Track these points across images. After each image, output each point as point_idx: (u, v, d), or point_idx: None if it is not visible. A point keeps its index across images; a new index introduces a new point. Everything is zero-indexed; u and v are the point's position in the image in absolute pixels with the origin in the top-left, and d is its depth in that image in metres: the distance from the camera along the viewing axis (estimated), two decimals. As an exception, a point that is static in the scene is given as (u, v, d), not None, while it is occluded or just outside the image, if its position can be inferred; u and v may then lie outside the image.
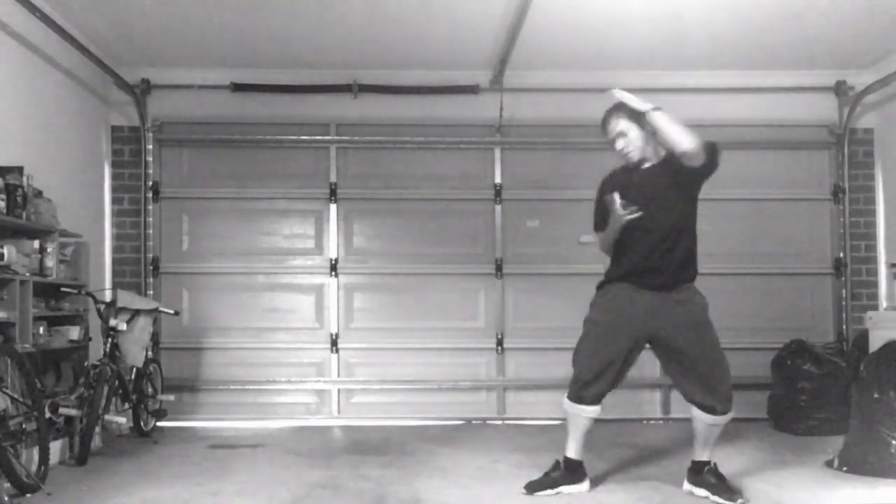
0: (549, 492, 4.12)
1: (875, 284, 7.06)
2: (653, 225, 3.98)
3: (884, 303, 6.85)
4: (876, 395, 4.65)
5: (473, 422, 6.84)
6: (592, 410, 4.09)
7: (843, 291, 7.03)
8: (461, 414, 6.92)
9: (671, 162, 3.96)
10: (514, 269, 6.97)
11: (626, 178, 4.11)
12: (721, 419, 4.05)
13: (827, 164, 7.16)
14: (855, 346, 6.24)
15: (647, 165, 4.07)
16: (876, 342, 5.24)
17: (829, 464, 4.77)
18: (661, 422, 6.85)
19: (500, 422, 6.85)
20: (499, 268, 7.00)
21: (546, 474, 4.21)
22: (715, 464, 4.14)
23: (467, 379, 6.97)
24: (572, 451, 4.18)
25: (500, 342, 6.96)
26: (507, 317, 6.96)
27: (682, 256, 4.03)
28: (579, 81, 6.84)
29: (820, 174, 7.17)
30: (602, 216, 4.18)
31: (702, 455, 4.14)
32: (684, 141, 3.77)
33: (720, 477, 4.09)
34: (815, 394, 6.05)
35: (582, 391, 4.08)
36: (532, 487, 4.15)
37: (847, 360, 6.16)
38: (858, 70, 6.92)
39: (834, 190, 7.11)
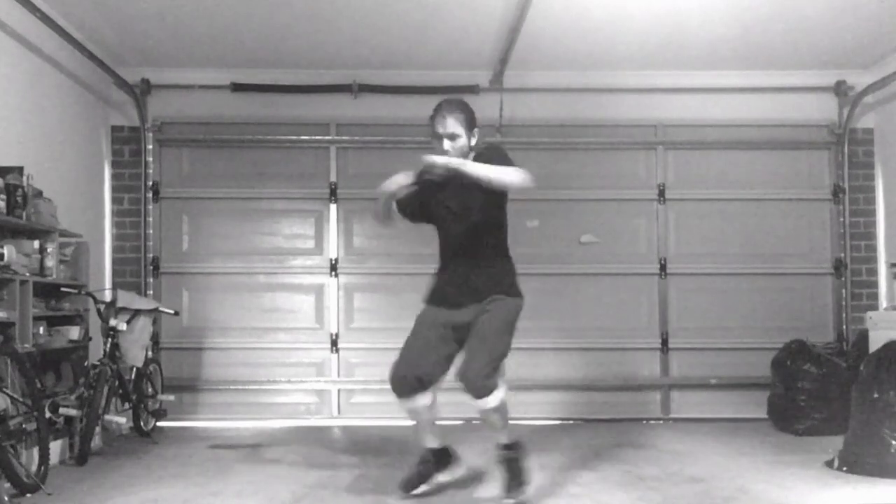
0: (424, 487, 4.06)
1: (875, 284, 7.06)
2: (454, 235, 4.07)
3: (884, 303, 6.84)
4: (876, 395, 4.64)
5: (473, 422, 6.82)
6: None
7: (843, 291, 7.03)
8: (461, 414, 6.83)
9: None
10: (513, 269, 6.96)
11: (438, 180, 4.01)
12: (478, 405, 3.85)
13: (827, 164, 7.16)
14: (855, 346, 6.24)
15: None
16: (876, 342, 5.24)
17: (829, 464, 4.77)
18: (661, 422, 6.85)
19: (500, 422, 6.84)
20: (499, 268, 6.98)
21: (415, 469, 4.11)
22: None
23: (467, 379, 6.95)
24: (429, 442, 4.11)
25: (499, 342, 6.94)
26: (507, 317, 6.94)
27: (484, 267, 4.10)
28: (579, 81, 6.86)
29: (820, 174, 7.17)
30: (409, 202, 4.09)
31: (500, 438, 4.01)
32: (513, 179, 3.89)
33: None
34: (815, 394, 6.04)
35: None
36: (406, 487, 4.04)
37: (847, 360, 6.16)
38: (858, 70, 6.92)
39: (834, 190, 7.11)
